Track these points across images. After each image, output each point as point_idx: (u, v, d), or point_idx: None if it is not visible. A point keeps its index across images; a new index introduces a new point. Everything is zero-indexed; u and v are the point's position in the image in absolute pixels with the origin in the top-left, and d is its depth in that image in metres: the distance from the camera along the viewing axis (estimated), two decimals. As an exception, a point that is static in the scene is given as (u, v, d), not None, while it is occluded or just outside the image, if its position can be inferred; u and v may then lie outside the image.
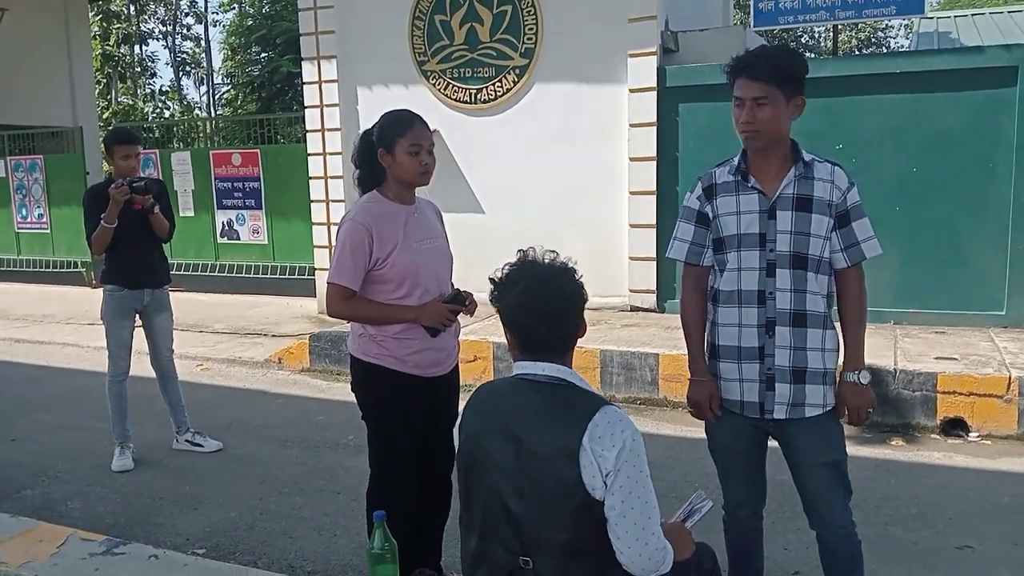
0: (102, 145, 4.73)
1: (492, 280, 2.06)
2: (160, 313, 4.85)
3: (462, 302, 2.87)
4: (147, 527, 3.91)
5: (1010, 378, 4.92)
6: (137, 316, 4.80)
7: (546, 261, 2.04)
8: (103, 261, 4.73)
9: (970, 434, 4.94)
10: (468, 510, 2.04)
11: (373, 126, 2.89)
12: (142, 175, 4.67)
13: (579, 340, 2.06)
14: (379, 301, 2.81)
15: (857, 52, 26.53)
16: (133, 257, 4.64)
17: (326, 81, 8.39)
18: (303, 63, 8.60)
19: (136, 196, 4.47)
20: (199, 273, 10.32)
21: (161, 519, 4.01)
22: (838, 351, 2.55)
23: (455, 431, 2.09)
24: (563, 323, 1.98)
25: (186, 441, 4.96)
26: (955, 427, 4.99)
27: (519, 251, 2.08)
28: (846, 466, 2.56)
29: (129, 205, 4.47)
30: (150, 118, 27.05)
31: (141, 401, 5.70)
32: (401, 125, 2.82)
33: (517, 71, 7.61)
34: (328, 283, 2.81)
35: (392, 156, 2.80)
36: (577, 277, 2.03)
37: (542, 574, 1.90)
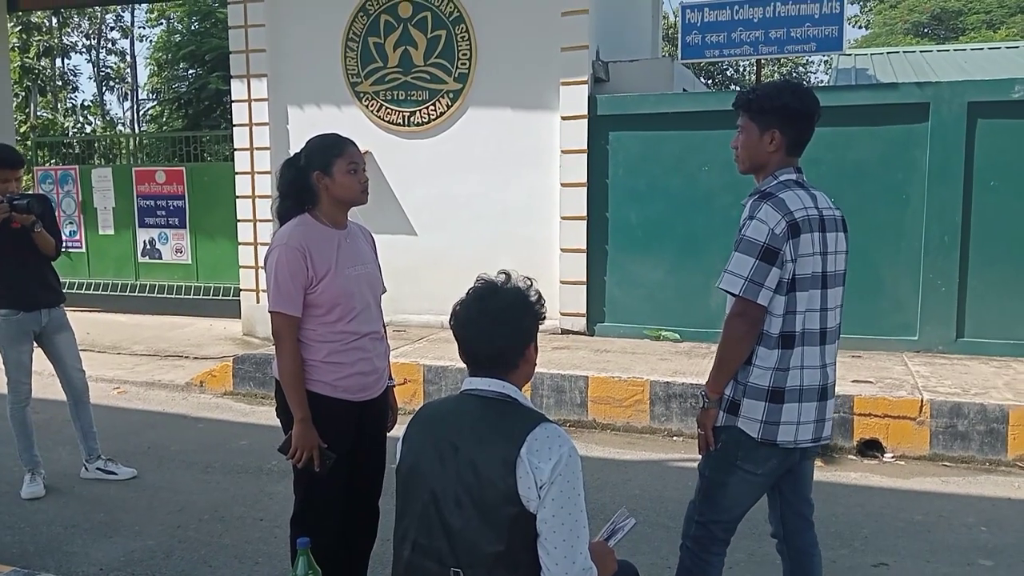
0: None
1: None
2: (60, 332, 4.62)
3: (326, 459, 2.74)
4: (58, 556, 3.74)
5: (922, 401, 5.12)
6: (34, 342, 4.57)
7: (499, 282, 2.07)
8: None
9: (885, 455, 5.12)
10: (403, 520, 2.04)
11: (298, 154, 2.84)
12: (25, 192, 4.42)
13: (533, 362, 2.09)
14: (299, 375, 2.74)
15: (779, 86, 27.37)
16: (22, 277, 4.41)
17: (255, 100, 8.27)
18: (232, 81, 8.46)
19: (16, 215, 4.25)
20: (118, 293, 9.99)
21: (74, 548, 3.84)
22: (735, 381, 2.55)
23: (398, 444, 2.10)
24: (493, 337, 2.00)
25: (97, 469, 4.73)
26: (871, 448, 5.16)
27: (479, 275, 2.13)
28: (705, 481, 2.67)
29: (8, 224, 4.26)
30: (71, 133, 26.20)
31: (53, 425, 5.47)
32: (336, 146, 2.80)
33: (451, 95, 7.64)
34: (272, 312, 2.74)
35: (331, 177, 2.77)
36: (517, 296, 2.05)
37: None
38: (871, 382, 5.49)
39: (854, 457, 5.13)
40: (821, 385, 2.54)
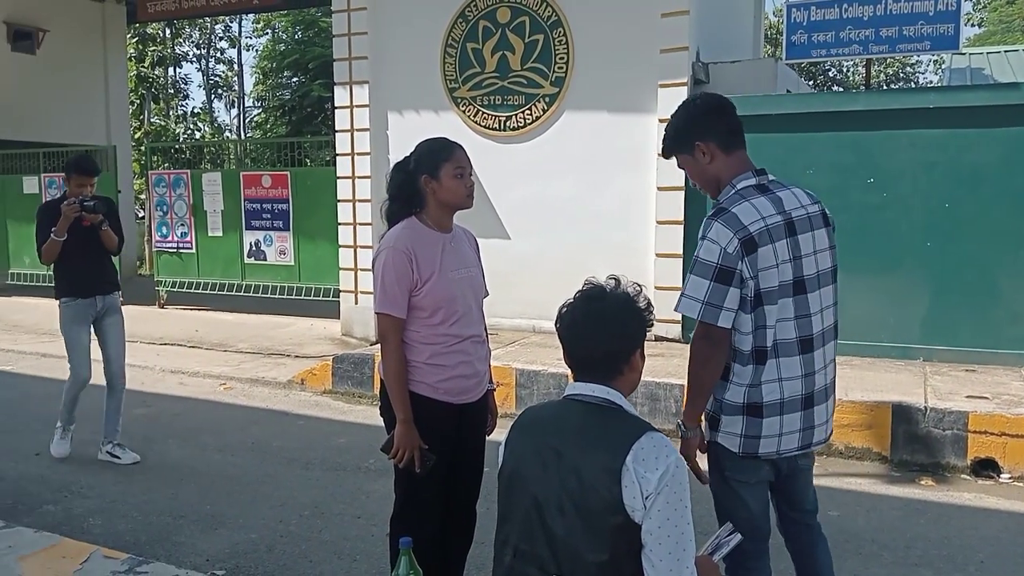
0: (64, 168, 5.10)
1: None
2: (111, 315, 5.12)
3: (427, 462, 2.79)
4: (168, 546, 3.91)
5: (1044, 419, 4.82)
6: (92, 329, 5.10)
7: (608, 286, 2.04)
8: (57, 277, 5.05)
9: (1001, 475, 4.84)
10: (505, 525, 2.02)
11: (407, 158, 2.89)
12: (94, 194, 4.98)
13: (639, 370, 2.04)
14: (402, 376, 2.78)
15: (885, 87, 26.44)
16: (83, 269, 4.97)
17: (358, 106, 8.48)
18: (335, 88, 8.71)
19: (86, 214, 4.83)
20: (225, 292, 10.41)
21: (182, 538, 4.00)
22: (713, 396, 2.51)
23: (499, 449, 2.09)
24: (598, 341, 1.97)
25: (107, 453, 5.10)
26: (986, 467, 4.89)
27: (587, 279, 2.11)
28: (715, 499, 2.59)
29: (79, 222, 4.84)
30: (181, 138, 27.49)
31: (163, 418, 5.75)
32: (444, 150, 2.84)
33: (547, 99, 7.65)
34: (378, 313, 2.80)
35: (437, 181, 2.80)
36: (625, 301, 2.01)
37: None
38: (987, 398, 5.20)
39: (968, 477, 4.87)
40: (805, 394, 2.45)
